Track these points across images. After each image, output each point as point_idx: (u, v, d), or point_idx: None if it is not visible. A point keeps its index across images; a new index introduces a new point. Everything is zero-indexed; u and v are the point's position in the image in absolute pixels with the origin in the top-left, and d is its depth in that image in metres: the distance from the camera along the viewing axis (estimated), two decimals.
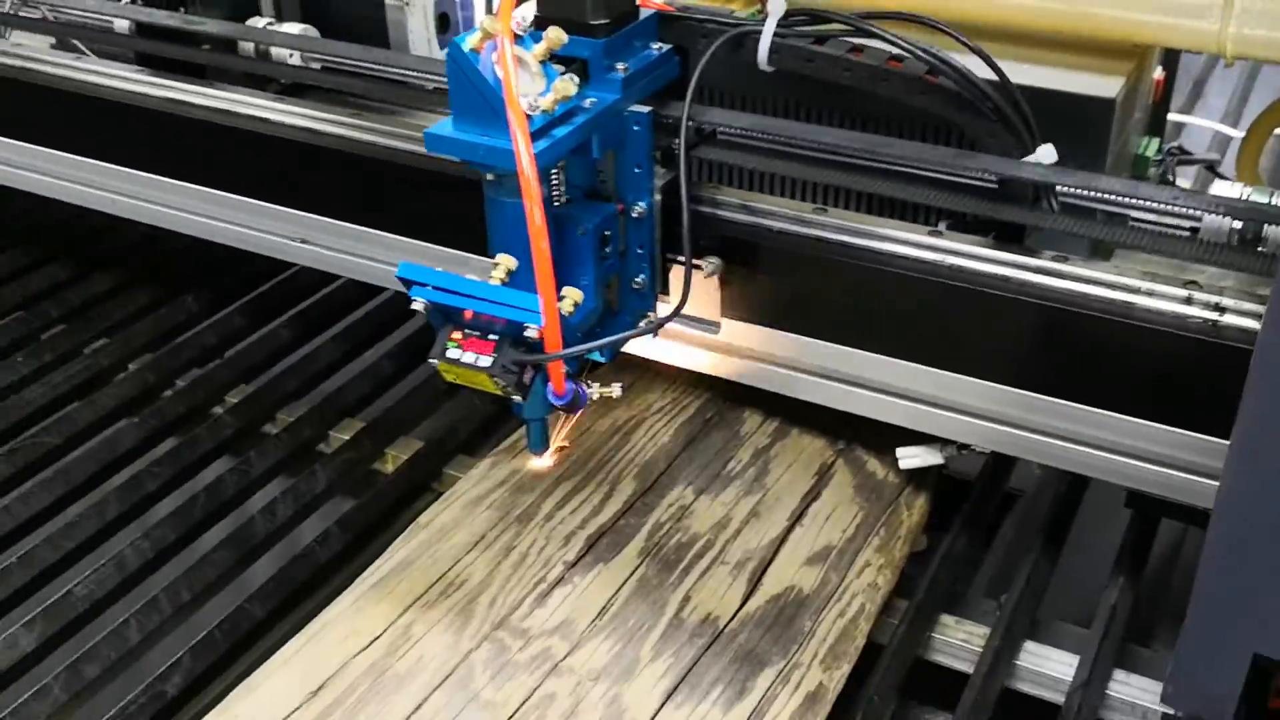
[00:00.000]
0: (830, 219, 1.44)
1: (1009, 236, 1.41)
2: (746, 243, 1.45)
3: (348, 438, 1.85)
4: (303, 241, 1.81)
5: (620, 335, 1.39)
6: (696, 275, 1.43)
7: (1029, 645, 1.51)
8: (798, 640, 1.34)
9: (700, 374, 1.58)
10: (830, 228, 1.43)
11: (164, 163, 1.86)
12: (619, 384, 1.31)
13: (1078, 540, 1.66)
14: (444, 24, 2.06)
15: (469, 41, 1.17)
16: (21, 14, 1.96)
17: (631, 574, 1.39)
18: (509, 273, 1.25)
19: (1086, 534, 1.71)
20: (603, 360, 1.44)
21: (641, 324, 1.41)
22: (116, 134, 1.88)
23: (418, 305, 1.22)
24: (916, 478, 1.60)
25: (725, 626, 1.34)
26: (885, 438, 1.58)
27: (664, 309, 1.41)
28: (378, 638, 1.31)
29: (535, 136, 1.17)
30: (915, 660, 1.47)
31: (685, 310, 1.38)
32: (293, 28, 1.83)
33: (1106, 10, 1.54)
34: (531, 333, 1.18)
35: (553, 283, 1.17)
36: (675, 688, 1.27)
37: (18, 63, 1.95)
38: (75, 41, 2.01)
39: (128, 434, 1.85)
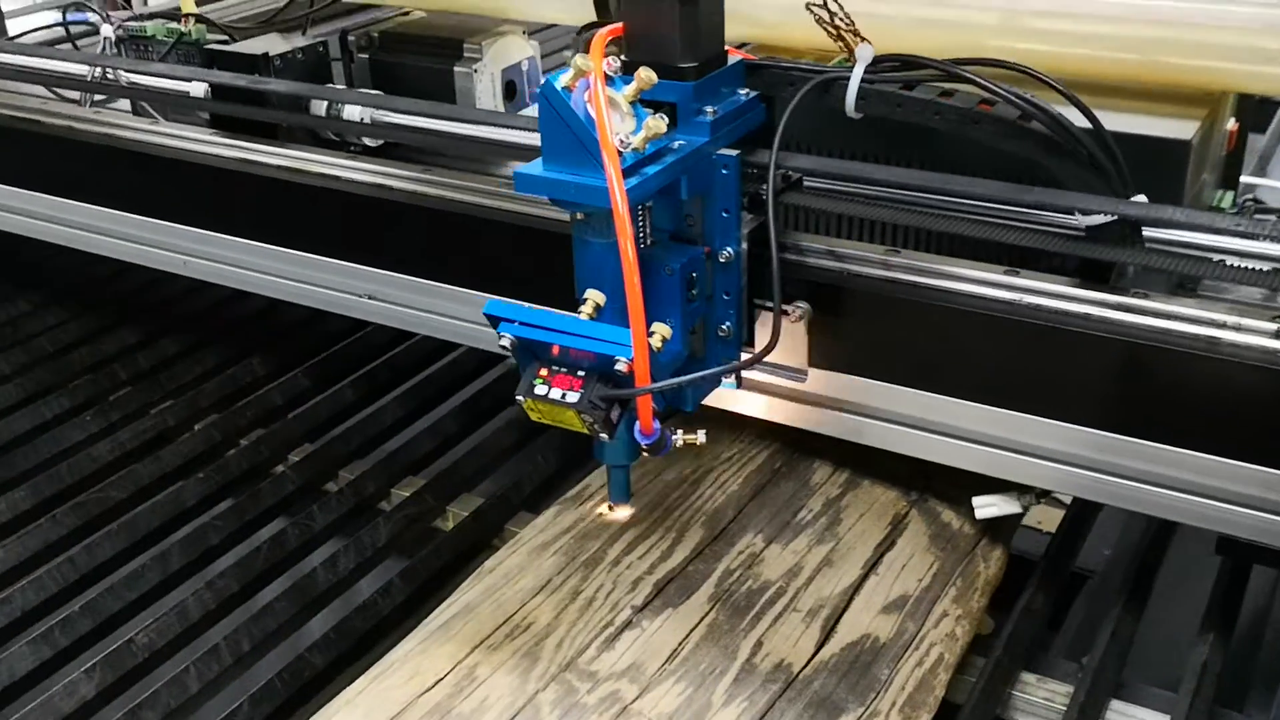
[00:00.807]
0: (910, 260, 1.42)
1: (1094, 277, 1.38)
2: (833, 288, 1.42)
3: (409, 494, 1.83)
4: (370, 298, 1.82)
5: (713, 369, 1.37)
6: (784, 321, 1.39)
7: (1115, 704, 1.45)
8: (874, 689, 1.29)
9: (768, 425, 1.55)
10: (912, 270, 1.41)
11: (230, 221, 1.89)
12: (703, 430, 1.27)
13: (1165, 594, 1.60)
14: (510, 92, 2.10)
15: (562, 80, 1.17)
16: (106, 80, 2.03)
17: (701, 619, 1.35)
18: (597, 308, 1.24)
19: (1172, 588, 1.65)
20: (688, 410, 1.41)
21: (733, 363, 1.39)
22: (188, 195, 1.92)
23: (505, 342, 1.20)
24: (993, 530, 1.55)
25: (799, 673, 1.29)
26: (959, 488, 1.54)
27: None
28: (442, 679, 1.27)
29: (626, 174, 1.15)
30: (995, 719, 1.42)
31: (772, 357, 1.35)
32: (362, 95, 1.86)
33: (1181, 60, 1.55)
34: (621, 366, 1.15)
35: (643, 315, 1.15)
36: None
37: (98, 128, 2.00)
38: (146, 106, 2.06)
39: (192, 489, 1.85)
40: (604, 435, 1.21)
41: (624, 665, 1.29)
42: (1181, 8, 1.53)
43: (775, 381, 1.49)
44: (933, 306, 1.39)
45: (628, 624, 1.34)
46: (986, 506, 1.50)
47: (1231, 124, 1.71)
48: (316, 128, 1.88)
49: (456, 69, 2.00)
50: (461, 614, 1.37)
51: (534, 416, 1.23)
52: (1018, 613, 1.52)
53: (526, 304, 1.25)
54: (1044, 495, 1.50)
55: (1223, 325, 1.28)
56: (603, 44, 1.19)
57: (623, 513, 1.36)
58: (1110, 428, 1.34)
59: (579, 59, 1.16)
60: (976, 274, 1.38)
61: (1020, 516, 1.60)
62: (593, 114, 1.15)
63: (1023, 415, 1.38)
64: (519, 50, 2.07)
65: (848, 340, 1.44)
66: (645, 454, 1.27)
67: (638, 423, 1.21)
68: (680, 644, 1.32)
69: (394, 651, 1.34)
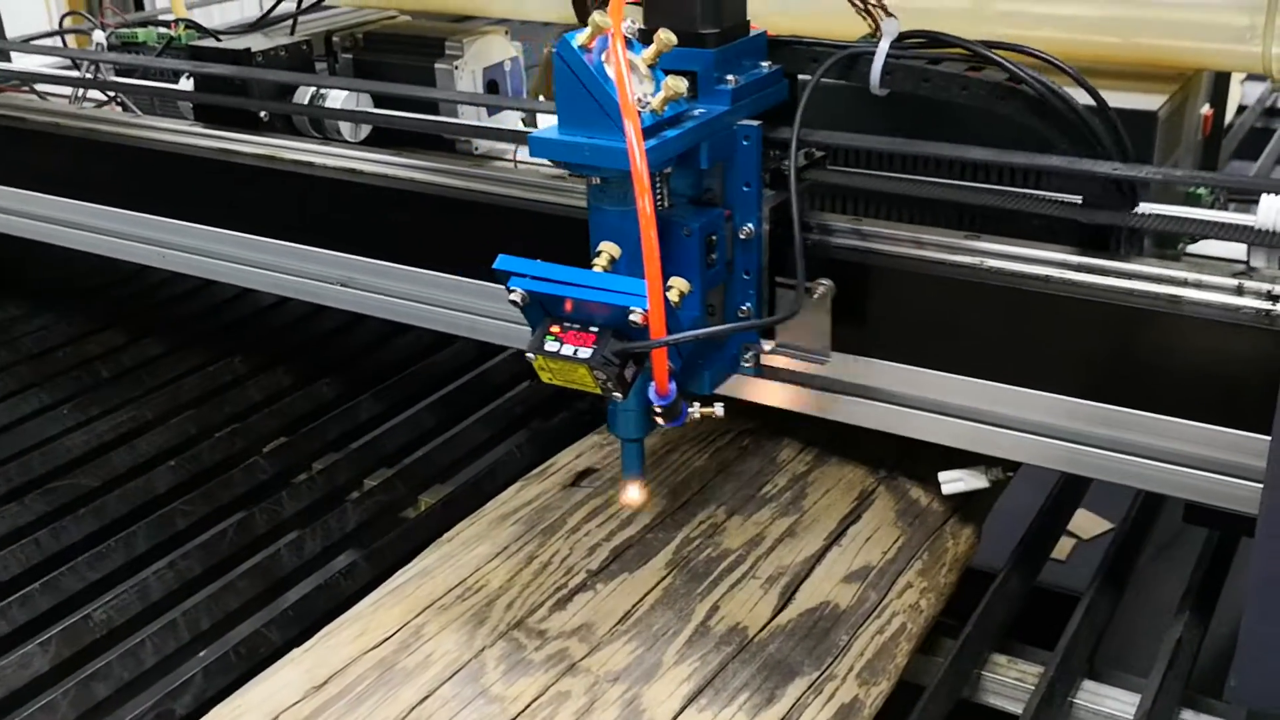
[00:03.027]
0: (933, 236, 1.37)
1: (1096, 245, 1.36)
2: (857, 265, 1.37)
3: (379, 483, 1.82)
4: (343, 285, 1.82)
5: (733, 325, 1.31)
6: (805, 298, 1.33)
7: (1087, 684, 1.42)
8: (832, 653, 1.26)
9: (738, 403, 1.52)
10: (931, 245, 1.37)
11: (205, 211, 1.90)
12: (721, 404, 1.22)
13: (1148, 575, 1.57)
14: (493, 90, 2.11)
15: (578, 38, 1.13)
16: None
17: (658, 584, 1.33)
18: (612, 260, 1.19)
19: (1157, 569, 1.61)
20: (705, 392, 1.33)
21: (752, 320, 1.34)
22: (164, 186, 1.93)
23: (515, 297, 1.16)
24: (965, 508, 1.52)
25: (754, 636, 1.27)
26: (928, 466, 1.51)
27: (767, 345, 1.38)
28: (390, 637, 1.25)
29: (646, 135, 1.10)
30: (961, 701, 1.38)
31: (792, 339, 1.33)
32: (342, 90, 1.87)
33: (1155, 39, 1.54)
34: (636, 317, 1.10)
35: (659, 268, 1.09)
36: (699, 691, 1.19)
37: (78, 123, 2.02)
38: (132, 105, 2.08)
39: (163, 478, 1.84)
40: (617, 394, 1.15)
41: (575, 625, 1.26)
42: None
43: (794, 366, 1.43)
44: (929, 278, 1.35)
45: (581, 586, 1.32)
46: (953, 481, 1.48)
47: (1206, 109, 1.70)
48: (296, 115, 1.89)
49: (438, 66, 2.01)
50: (416, 578, 1.35)
51: (544, 377, 1.18)
52: (989, 594, 1.49)
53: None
54: (1011, 469, 1.47)
55: (1183, 283, 1.26)
56: (622, 4, 1.14)
57: (634, 494, 1.25)
58: (1077, 394, 1.32)
59: (597, 15, 1.11)
60: (941, 239, 1.37)
61: (994, 495, 1.57)
62: (610, 74, 1.12)
63: (999, 385, 1.35)
64: (501, 50, 2.08)
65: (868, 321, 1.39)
66: (659, 423, 1.19)
67: (653, 384, 1.15)
68: (634, 607, 1.30)
69: (344, 615, 1.31)
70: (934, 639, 1.44)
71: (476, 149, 1.94)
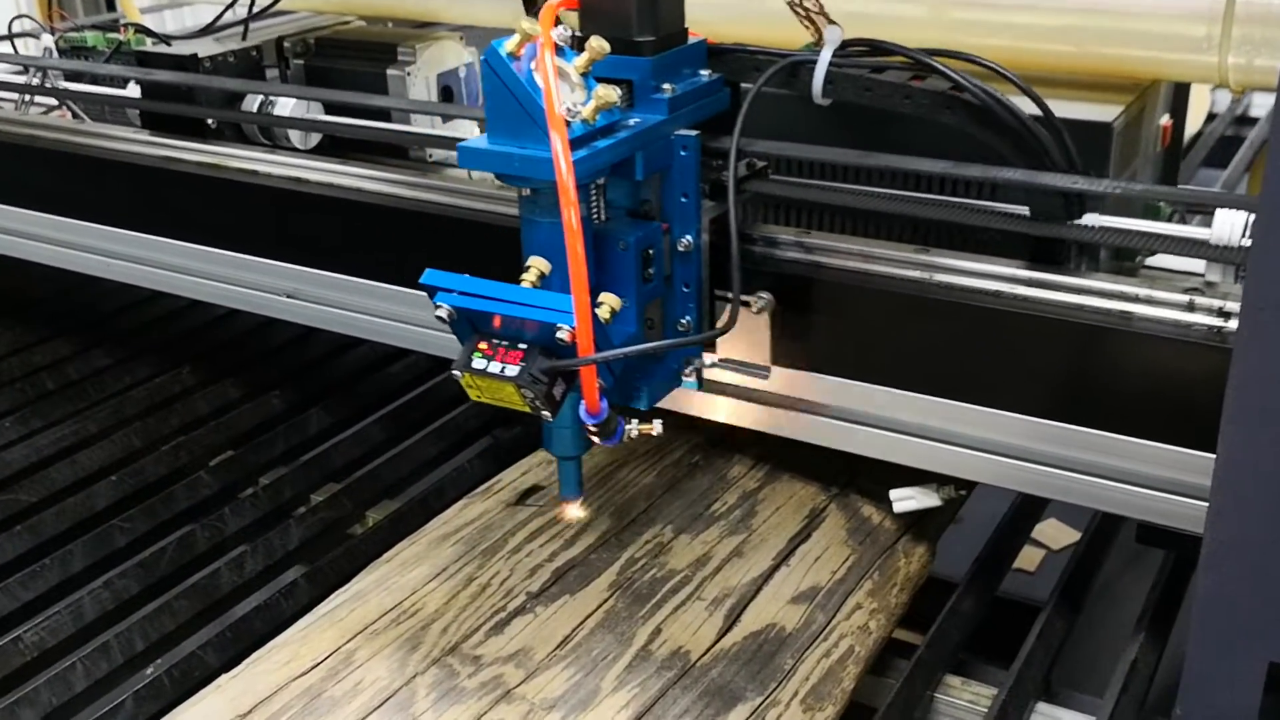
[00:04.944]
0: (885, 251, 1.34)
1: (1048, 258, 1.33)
2: (801, 279, 1.34)
3: (325, 499, 1.78)
4: (289, 296, 1.78)
5: (663, 342, 1.27)
6: (745, 312, 1.32)
7: (1040, 706, 1.39)
8: (776, 678, 1.22)
9: (688, 419, 1.49)
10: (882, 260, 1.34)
11: (151, 220, 1.86)
12: (659, 420, 1.20)
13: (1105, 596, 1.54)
14: (447, 97, 2.07)
15: (506, 45, 1.10)
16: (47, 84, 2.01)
17: (599, 606, 1.29)
18: (541, 276, 1.15)
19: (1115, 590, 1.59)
20: (643, 408, 1.30)
21: (685, 336, 1.30)
22: (110, 195, 1.89)
23: (441, 312, 1.13)
24: (918, 526, 1.49)
25: (697, 661, 1.23)
26: (882, 483, 1.48)
27: (709, 359, 1.35)
28: (319, 663, 1.21)
29: (575, 145, 1.08)
30: None
31: (734, 355, 1.30)
32: (290, 98, 1.83)
33: (1112, 49, 1.52)
34: (562, 335, 1.07)
35: (586, 284, 1.07)
36: (638, 719, 1.15)
37: (20, 129, 1.98)
38: (79, 111, 2.04)
39: (104, 493, 1.79)
40: (546, 413, 1.12)
41: (511, 650, 1.22)
42: None
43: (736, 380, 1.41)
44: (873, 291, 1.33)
45: (520, 609, 1.28)
46: (904, 500, 1.44)
47: (1165, 119, 1.68)
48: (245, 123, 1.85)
49: (390, 72, 1.98)
50: (349, 601, 1.31)
51: (473, 395, 1.14)
52: (944, 614, 1.46)
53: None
54: (965, 487, 1.44)
55: (1135, 299, 1.24)
56: (553, 11, 1.11)
57: (575, 510, 1.28)
58: (1028, 411, 1.29)
59: (525, 23, 1.09)
60: (889, 253, 1.34)
61: (950, 513, 1.54)
62: (539, 82, 1.09)
63: (948, 402, 1.32)
64: (455, 56, 2.05)
65: (812, 336, 1.36)
66: (595, 441, 1.17)
67: (583, 402, 1.12)
68: (574, 630, 1.26)
69: (274, 640, 1.27)
70: (886, 659, 1.41)
71: (431, 157, 1.91)
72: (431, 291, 1.13)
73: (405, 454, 1.89)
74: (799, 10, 1.35)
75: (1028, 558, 2.58)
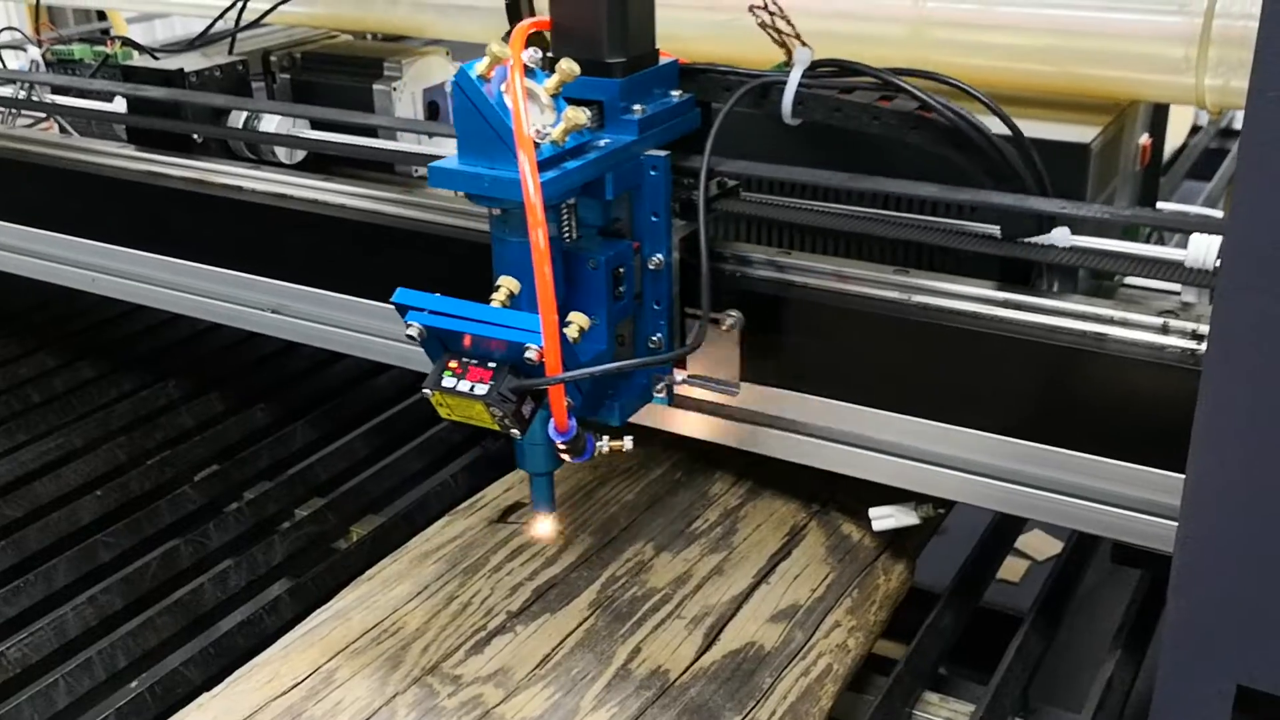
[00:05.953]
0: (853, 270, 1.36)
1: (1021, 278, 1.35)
2: (772, 298, 1.35)
3: (309, 514, 1.78)
4: (274, 311, 1.78)
5: (630, 361, 1.29)
6: (715, 330, 1.34)
7: None
8: (755, 696, 1.23)
9: (671, 436, 1.50)
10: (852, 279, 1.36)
11: (136, 235, 1.86)
12: (630, 437, 1.22)
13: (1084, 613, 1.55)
14: (433, 112, 2.08)
15: (477, 68, 1.12)
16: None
17: (579, 625, 1.30)
18: (510, 296, 1.17)
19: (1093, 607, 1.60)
20: (615, 424, 1.33)
21: (660, 355, 1.32)
22: (95, 209, 1.90)
23: (412, 331, 1.14)
24: (897, 543, 1.50)
25: (676, 680, 1.24)
26: (863, 501, 1.49)
27: (680, 375, 1.37)
28: (300, 682, 1.22)
29: (544, 167, 1.10)
30: None
31: (704, 370, 1.31)
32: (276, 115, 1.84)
33: (1090, 70, 1.53)
34: (531, 354, 1.09)
35: (554, 303, 1.09)
36: None
37: (5, 143, 1.98)
38: (67, 125, 2.05)
39: (88, 508, 1.80)
40: (515, 432, 1.13)
41: (491, 669, 1.23)
42: (1086, 17, 1.52)
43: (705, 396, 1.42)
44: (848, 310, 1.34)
45: (500, 628, 1.29)
46: (884, 518, 1.45)
47: (1144, 138, 1.69)
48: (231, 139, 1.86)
49: (375, 87, 1.98)
50: (331, 619, 1.32)
51: (444, 413, 1.16)
52: (924, 630, 1.47)
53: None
54: (944, 506, 1.45)
55: (1109, 321, 1.25)
56: (524, 34, 1.13)
57: (546, 525, 1.29)
58: (1004, 431, 1.30)
59: (495, 46, 1.10)
60: (862, 273, 1.35)
61: (929, 530, 1.55)
62: (509, 103, 1.10)
63: (924, 421, 1.33)
64: (441, 70, 2.05)
65: (782, 353, 1.37)
66: (566, 458, 1.19)
67: (552, 420, 1.14)
68: (554, 650, 1.27)
69: (255, 659, 1.28)
70: (865, 675, 1.42)
71: (416, 172, 1.92)
72: (403, 310, 1.15)
73: (389, 469, 1.90)
74: (771, 32, 1.36)
75: (1012, 568, 2.60)
